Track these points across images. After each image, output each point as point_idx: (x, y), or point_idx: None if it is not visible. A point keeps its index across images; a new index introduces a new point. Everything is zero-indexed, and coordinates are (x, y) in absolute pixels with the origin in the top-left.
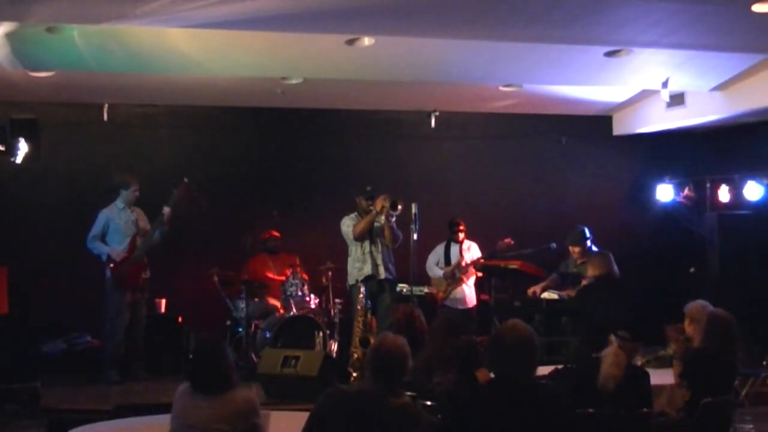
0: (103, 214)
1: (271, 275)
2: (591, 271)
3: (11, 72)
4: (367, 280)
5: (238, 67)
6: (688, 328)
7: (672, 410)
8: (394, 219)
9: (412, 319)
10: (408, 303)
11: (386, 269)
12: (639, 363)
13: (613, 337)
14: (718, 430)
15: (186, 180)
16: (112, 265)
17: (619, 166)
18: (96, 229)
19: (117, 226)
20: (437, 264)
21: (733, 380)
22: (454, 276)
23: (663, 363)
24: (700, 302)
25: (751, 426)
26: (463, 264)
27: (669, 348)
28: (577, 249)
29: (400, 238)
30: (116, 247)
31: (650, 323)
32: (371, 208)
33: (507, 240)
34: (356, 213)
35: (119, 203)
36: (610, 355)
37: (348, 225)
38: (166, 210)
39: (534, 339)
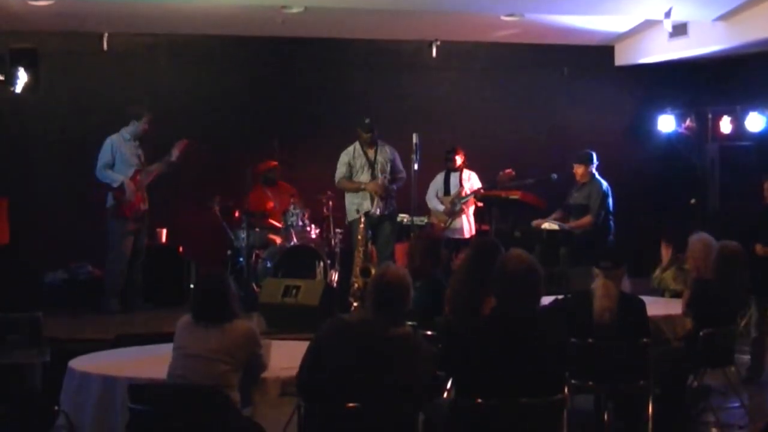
0: (110, 141)
1: (271, 206)
2: None
3: (10, 1)
4: (367, 213)
5: None
6: (689, 261)
7: (672, 338)
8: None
9: (434, 245)
10: (409, 233)
11: (386, 205)
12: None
13: (596, 270)
14: (720, 359)
15: (188, 140)
16: (117, 188)
17: (621, 96)
18: (106, 157)
19: (123, 155)
20: (437, 194)
21: (738, 312)
22: (454, 208)
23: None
24: (701, 238)
25: (747, 356)
26: (463, 194)
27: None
28: (580, 169)
29: (403, 180)
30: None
31: (650, 253)
32: (369, 140)
33: (508, 171)
34: (358, 143)
35: (125, 133)
36: (599, 287)
37: (340, 168)
38: (175, 154)
39: (536, 269)
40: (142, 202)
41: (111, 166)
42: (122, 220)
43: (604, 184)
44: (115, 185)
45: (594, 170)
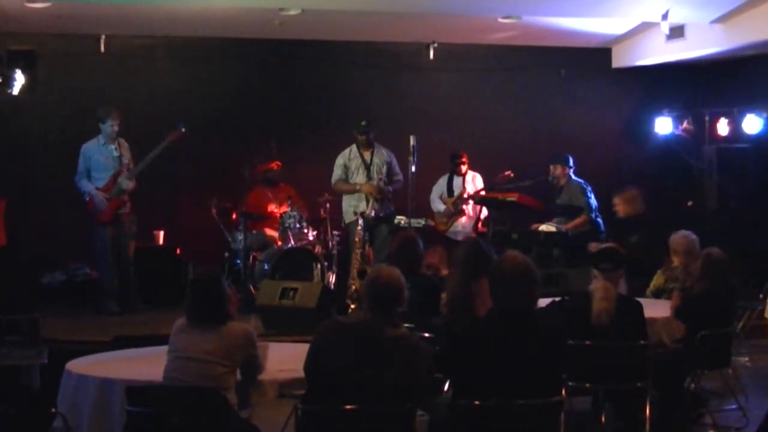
0: (85, 150)
1: (272, 208)
2: None
3: (8, 3)
4: (362, 214)
5: None
6: (674, 259)
7: (668, 340)
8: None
9: (413, 244)
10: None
11: (382, 207)
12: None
13: (596, 271)
14: (718, 361)
15: (183, 129)
16: (87, 199)
17: (618, 98)
18: (80, 166)
19: (98, 162)
20: (440, 196)
21: (731, 316)
22: (456, 208)
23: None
24: (681, 233)
25: (746, 359)
26: (465, 195)
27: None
28: (557, 169)
29: (401, 183)
30: (98, 185)
31: (646, 256)
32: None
33: (507, 173)
34: (354, 146)
35: (100, 138)
36: (598, 289)
37: (336, 170)
38: (129, 185)
39: (533, 269)
40: (120, 206)
41: (87, 174)
42: (100, 227)
43: (582, 182)
44: (85, 197)
45: (570, 172)
